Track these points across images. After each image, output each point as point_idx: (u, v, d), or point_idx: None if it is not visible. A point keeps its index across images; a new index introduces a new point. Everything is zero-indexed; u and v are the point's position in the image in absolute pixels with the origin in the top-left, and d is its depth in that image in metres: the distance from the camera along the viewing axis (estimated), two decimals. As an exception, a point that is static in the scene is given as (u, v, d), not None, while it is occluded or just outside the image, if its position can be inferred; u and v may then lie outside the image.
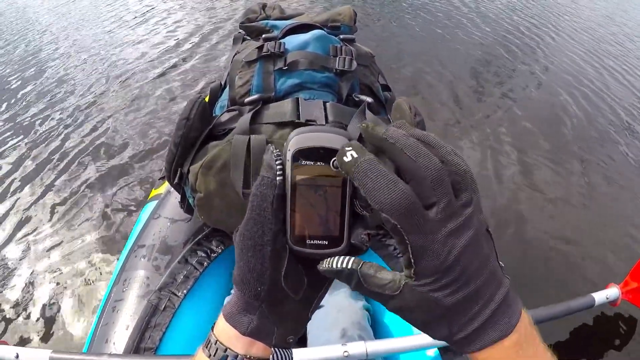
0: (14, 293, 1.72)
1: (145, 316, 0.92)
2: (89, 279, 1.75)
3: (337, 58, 0.95)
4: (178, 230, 1.08)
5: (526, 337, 0.32)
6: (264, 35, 1.01)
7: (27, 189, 2.27)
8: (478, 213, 0.31)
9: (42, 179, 2.32)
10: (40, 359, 0.89)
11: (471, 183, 0.31)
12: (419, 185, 0.29)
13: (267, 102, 0.92)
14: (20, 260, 1.86)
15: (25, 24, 4.96)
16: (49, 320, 1.61)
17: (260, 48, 0.97)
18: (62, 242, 1.93)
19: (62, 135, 2.67)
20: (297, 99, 0.90)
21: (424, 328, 0.33)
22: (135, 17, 4.61)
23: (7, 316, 1.64)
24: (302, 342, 1.01)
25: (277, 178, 0.33)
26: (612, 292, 1.31)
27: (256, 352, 0.38)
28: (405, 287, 0.31)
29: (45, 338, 1.55)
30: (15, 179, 2.35)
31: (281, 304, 0.36)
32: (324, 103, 0.89)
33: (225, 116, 0.92)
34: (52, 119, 2.86)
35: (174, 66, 3.39)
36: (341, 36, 1.04)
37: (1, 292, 1.73)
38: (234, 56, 1.04)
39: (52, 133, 2.70)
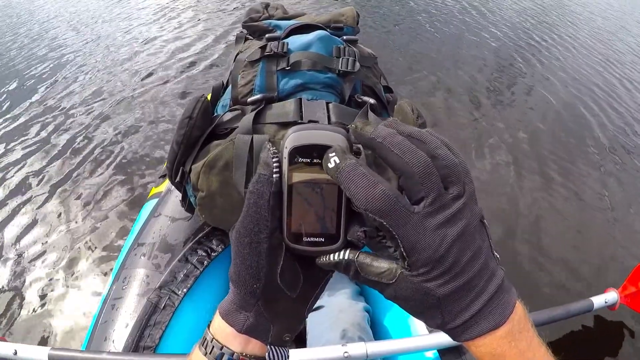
0: (12, 290, 1.72)
1: (145, 314, 0.92)
2: (88, 277, 1.75)
3: (340, 59, 0.95)
4: (178, 228, 1.08)
5: (520, 328, 0.33)
6: (267, 35, 1.01)
7: (26, 186, 2.26)
8: (471, 204, 0.32)
9: (41, 176, 2.32)
10: (39, 356, 0.89)
11: (463, 175, 0.31)
12: (408, 181, 0.30)
13: (269, 102, 0.92)
14: (19, 257, 1.86)
15: (28, 20, 4.96)
16: (48, 317, 1.61)
17: (263, 48, 0.97)
18: (61, 239, 1.92)
19: (63, 132, 2.67)
20: (300, 99, 0.90)
21: (419, 316, 0.34)
22: (143, 17, 4.61)
23: (6, 313, 1.63)
24: (302, 343, 1.01)
25: (274, 175, 0.33)
26: (610, 296, 1.31)
27: (252, 350, 0.38)
28: (401, 276, 0.31)
29: (44, 335, 1.55)
30: (15, 176, 2.35)
31: (277, 301, 0.37)
32: (327, 104, 0.89)
33: (228, 115, 0.92)
34: (53, 116, 2.86)
35: (180, 65, 3.39)
36: (344, 37, 1.04)
37: (0, 289, 1.73)
38: (236, 55, 1.04)
39: (53, 130, 2.70)
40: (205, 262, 1.03)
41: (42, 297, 1.68)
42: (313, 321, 1.01)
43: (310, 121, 0.85)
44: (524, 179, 2.39)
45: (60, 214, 2.06)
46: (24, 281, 1.75)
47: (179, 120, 0.87)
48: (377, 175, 0.30)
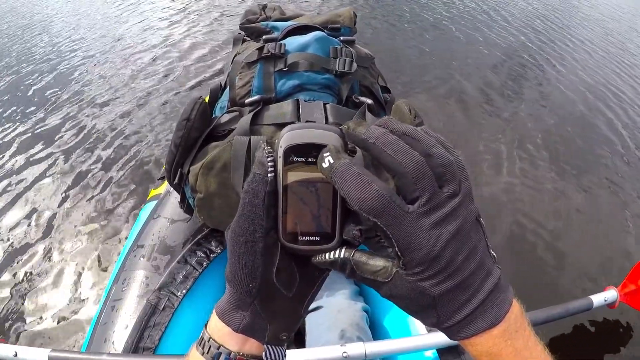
0: (12, 291, 1.72)
1: (145, 316, 0.92)
2: (87, 278, 1.75)
3: (337, 60, 0.95)
4: (177, 230, 1.08)
5: (516, 327, 0.33)
6: (264, 37, 1.01)
7: (26, 187, 2.26)
8: (467, 202, 0.31)
9: (40, 179, 2.32)
10: (39, 358, 0.89)
11: (459, 173, 0.31)
12: (402, 181, 0.30)
13: (267, 103, 0.92)
14: (19, 258, 1.86)
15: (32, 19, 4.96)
16: (48, 319, 1.61)
17: (260, 49, 0.97)
18: (61, 241, 1.93)
19: (63, 134, 2.67)
20: (298, 100, 0.90)
21: (415, 315, 0.34)
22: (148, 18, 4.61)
23: (6, 314, 1.64)
24: (301, 343, 1.01)
25: (269, 175, 0.33)
26: (610, 294, 1.31)
27: (249, 349, 0.38)
28: (396, 275, 0.31)
29: (44, 336, 1.55)
30: (15, 176, 2.35)
31: (274, 300, 0.37)
32: (324, 104, 0.89)
33: (226, 117, 0.92)
34: (53, 118, 2.86)
35: (182, 68, 3.40)
36: (341, 38, 1.05)
37: (1, 290, 1.73)
38: (234, 57, 1.05)
39: (54, 131, 2.70)
40: (205, 264, 1.03)
41: (42, 298, 1.68)
42: (312, 321, 1.01)
43: (307, 121, 0.85)
44: (525, 177, 2.39)
45: (60, 216, 2.06)
46: (24, 282, 1.75)
47: (177, 122, 0.87)
48: (371, 175, 0.30)
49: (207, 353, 0.37)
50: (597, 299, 1.27)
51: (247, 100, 0.92)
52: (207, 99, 0.97)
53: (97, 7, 5.18)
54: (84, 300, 1.67)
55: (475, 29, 4.50)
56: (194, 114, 0.86)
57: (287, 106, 0.88)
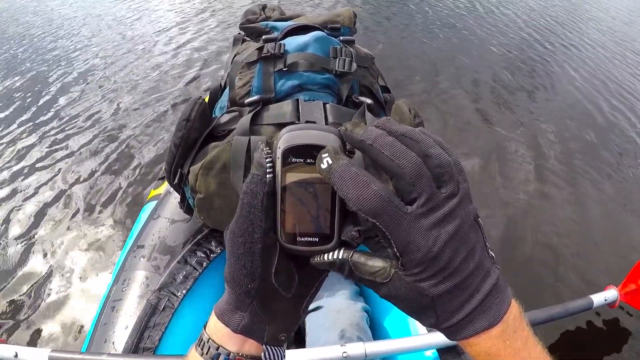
0: (12, 292, 1.72)
1: (145, 316, 0.92)
2: (88, 278, 1.75)
3: (337, 59, 0.95)
4: (177, 230, 1.09)
5: (515, 327, 0.33)
6: (264, 37, 1.01)
7: (25, 188, 2.27)
8: (466, 203, 0.31)
9: (41, 179, 2.32)
10: (39, 358, 0.89)
11: (457, 174, 0.31)
12: (400, 182, 0.30)
13: (267, 103, 0.92)
14: (19, 259, 1.86)
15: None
16: (48, 319, 1.61)
17: (260, 49, 0.97)
18: (61, 241, 1.93)
19: (63, 135, 2.67)
20: (297, 100, 0.90)
21: (413, 315, 0.34)
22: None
23: (6, 315, 1.64)
24: (301, 343, 1.01)
25: (267, 176, 0.33)
26: (610, 294, 1.31)
27: (248, 350, 0.38)
28: (395, 275, 0.31)
29: (44, 337, 1.55)
30: (15, 177, 2.35)
31: (272, 301, 0.37)
32: (324, 104, 0.89)
33: (225, 117, 0.92)
34: (54, 117, 2.87)
35: (184, 67, 3.40)
36: (341, 37, 1.05)
37: (0, 291, 1.73)
38: (233, 57, 1.05)
39: (54, 132, 2.71)
40: (205, 264, 1.03)
41: (42, 299, 1.69)
42: (312, 322, 1.01)
43: (307, 122, 0.85)
44: (526, 177, 2.39)
45: (60, 217, 2.06)
46: (24, 283, 1.75)
47: (177, 123, 0.87)
48: (370, 176, 0.30)
49: (207, 354, 0.37)
50: (597, 298, 1.27)
51: (246, 101, 0.92)
52: (206, 99, 0.97)
53: (106, 7, 5.17)
54: (84, 300, 1.67)
55: (482, 27, 4.51)
56: (194, 114, 0.86)
57: (286, 106, 0.88)
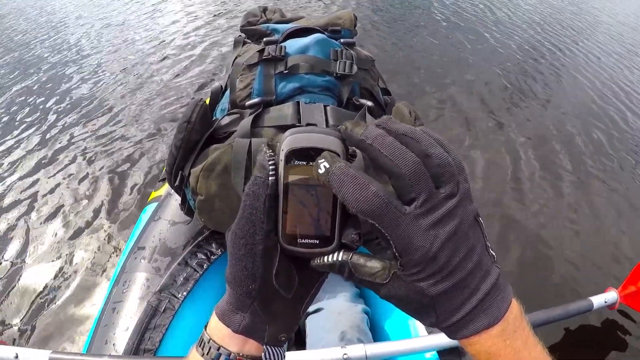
0: (13, 293, 1.72)
1: (145, 317, 0.92)
2: (88, 280, 1.75)
3: (338, 62, 0.95)
4: (178, 232, 1.09)
5: (515, 327, 0.33)
6: (264, 39, 1.01)
7: (25, 190, 2.27)
8: (465, 203, 0.32)
9: (41, 180, 2.32)
10: (39, 359, 0.89)
11: (457, 173, 0.31)
12: (398, 183, 0.30)
13: (268, 105, 0.92)
14: (20, 260, 1.86)
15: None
16: (49, 321, 1.61)
17: (261, 52, 0.97)
18: (61, 242, 1.93)
19: (62, 136, 2.67)
20: (298, 102, 0.90)
21: (413, 315, 0.34)
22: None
23: (7, 317, 1.64)
24: (301, 345, 1.01)
25: (270, 178, 0.33)
26: (610, 295, 1.31)
27: (249, 350, 0.38)
28: (394, 276, 0.32)
29: (45, 338, 1.55)
30: (15, 179, 2.36)
31: (273, 302, 0.37)
32: (325, 107, 0.90)
33: (226, 119, 0.93)
34: (53, 118, 2.87)
35: (186, 68, 3.40)
36: (341, 40, 1.05)
37: (0, 292, 1.73)
38: (234, 59, 1.05)
39: (53, 133, 2.71)
40: (205, 265, 1.03)
41: (43, 301, 1.68)
42: (312, 323, 1.01)
43: (308, 124, 0.85)
44: (526, 178, 2.39)
45: (60, 218, 2.06)
46: (24, 285, 1.75)
47: (178, 125, 0.87)
48: (368, 177, 0.30)
49: (207, 354, 0.38)
50: (597, 300, 1.27)
51: (247, 103, 0.93)
52: (207, 101, 0.97)
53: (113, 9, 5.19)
54: (84, 302, 1.67)
55: (484, 29, 4.52)
56: (195, 117, 0.86)
57: (287, 109, 0.89)
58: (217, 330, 0.38)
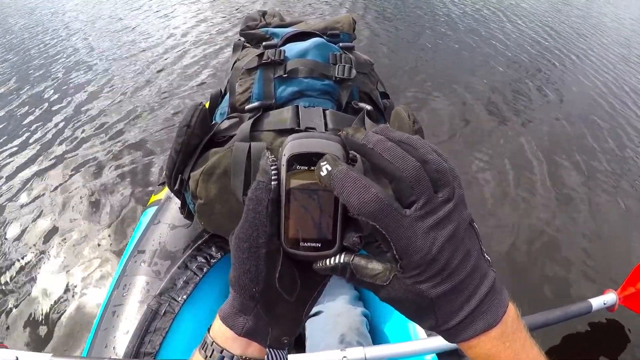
0: (13, 296, 1.72)
1: (145, 321, 0.92)
2: (88, 283, 1.75)
3: (337, 66, 0.96)
4: (178, 235, 1.09)
5: (513, 329, 0.34)
6: (264, 43, 1.02)
7: (26, 191, 2.27)
8: (461, 208, 0.32)
9: (41, 182, 2.33)
10: (40, 363, 0.89)
11: (452, 179, 0.32)
12: (399, 186, 0.31)
13: (267, 109, 0.92)
14: (19, 263, 1.86)
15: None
16: (49, 324, 1.61)
17: (260, 56, 0.98)
18: (61, 246, 1.93)
19: (62, 138, 2.68)
20: (297, 106, 0.91)
21: (413, 318, 0.35)
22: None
23: (7, 320, 1.64)
24: (301, 347, 1.02)
25: (272, 183, 0.34)
26: (609, 297, 1.31)
27: (252, 353, 0.38)
28: (394, 278, 0.32)
29: (45, 342, 1.55)
30: (15, 180, 2.36)
31: (276, 305, 0.37)
32: (324, 111, 0.90)
33: (226, 123, 0.93)
34: (53, 119, 2.88)
35: (186, 72, 3.40)
36: (340, 44, 1.05)
37: (1, 296, 1.73)
38: (234, 63, 1.05)
39: (53, 135, 2.71)
40: (205, 269, 1.04)
41: (43, 304, 1.69)
42: (312, 326, 1.01)
43: (307, 128, 0.86)
44: (523, 180, 2.39)
45: (60, 222, 2.06)
46: (25, 288, 1.75)
47: (178, 129, 0.88)
48: (369, 180, 0.31)
49: (210, 357, 0.38)
50: (596, 302, 1.27)
51: (247, 107, 0.93)
52: (207, 105, 0.97)
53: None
54: (84, 305, 1.67)
55: (486, 31, 4.52)
56: (194, 120, 0.87)
57: (286, 112, 0.89)
58: (221, 333, 0.38)
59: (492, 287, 0.33)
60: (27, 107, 3.12)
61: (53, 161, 2.49)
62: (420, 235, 0.30)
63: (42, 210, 2.13)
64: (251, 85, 0.96)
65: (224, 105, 1.02)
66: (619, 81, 3.86)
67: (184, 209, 1.00)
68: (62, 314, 1.65)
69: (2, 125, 2.94)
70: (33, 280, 1.79)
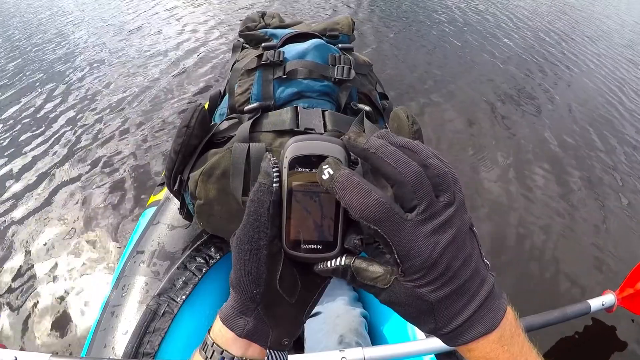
0: (12, 297, 1.72)
1: (144, 321, 0.92)
2: (87, 284, 1.75)
3: (336, 67, 0.96)
4: (177, 236, 1.09)
5: (512, 332, 0.34)
6: (263, 44, 1.02)
7: (27, 192, 2.27)
8: (461, 212, 0.33)
9: (41, 183, 2.32)
10: (38, 363, 0.89)
11: (453, 184, 0.32)
12: (401, 190, 0.31)
13: (266, 110, 0.93)
14: (18, 264, 1.86)
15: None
16: (48, 324, 1.61)
17: (259, 57, 0.98)
18: (60, 246, 1.93)
19: (62, 139, 2.68)
20: (296, 107, 0.91)
21: (413, 321, 0.35)
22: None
23: (6, 320, 1.64)
24: (300, 348, 1.02)
25: (274, 185, 0.34)
26: (607, 298, 1.31)
27: (252, 354, 0.38)
28: (395, 281, 0.32)
29: (44, 342, 1.55)
30: (16, 180, 2.36)
31: (276, 306, 0.38)
32: (323, 112, 0.90)
33: (225, 124, 0.93)
34: (53, 120, 2.87)
35: (185, 74, 3.40)
36: (340, 45, 1.06)
37: (0, 296, 1.73)
38: (233, 64, 1.06)
39: (53, 135, 2.71)
40: (204, 270, 1.03)
41: (42, 304, 1.68)
42: (311, 327, 1.01)
43: (306, 129, 0.86)
44: (522, 182, 2.40)
45: (59, 222, 2.06)
46: (24, 288, 1.75)
47: (177, 129, 0.88)
48: (371, 184, 0.31)
49: (211, 358, 0.38)
50: (595, 303, 1.27)
51: (246, 108, 0.93)
52: (206, 106, 0.98)
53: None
54: (83, 305, 1.67)
55: (487, 33, 4.53)
56: (194, 121, 0.87)
57: (286, 113, 0.89)
58: (221, 334, 0.38)
59: (491, 292, 0.33)
60: (27, 107, 3.11)
61: (52, 161, 2.49)
62: (421, 240, 0.30)
63: (40, 211, 2.13)
64: (250, 86, 0.96)
65: (223, 106, 1.02)
66: (625, 82, 3.86)
67: (183, 209, 1.00)
68: (61, 314, 1.64)
69: (2, 125, 2.93)
70: (32, 280, 1.79)
